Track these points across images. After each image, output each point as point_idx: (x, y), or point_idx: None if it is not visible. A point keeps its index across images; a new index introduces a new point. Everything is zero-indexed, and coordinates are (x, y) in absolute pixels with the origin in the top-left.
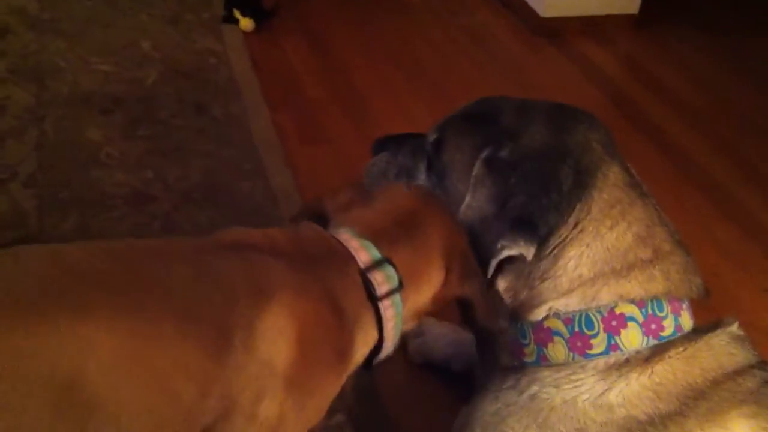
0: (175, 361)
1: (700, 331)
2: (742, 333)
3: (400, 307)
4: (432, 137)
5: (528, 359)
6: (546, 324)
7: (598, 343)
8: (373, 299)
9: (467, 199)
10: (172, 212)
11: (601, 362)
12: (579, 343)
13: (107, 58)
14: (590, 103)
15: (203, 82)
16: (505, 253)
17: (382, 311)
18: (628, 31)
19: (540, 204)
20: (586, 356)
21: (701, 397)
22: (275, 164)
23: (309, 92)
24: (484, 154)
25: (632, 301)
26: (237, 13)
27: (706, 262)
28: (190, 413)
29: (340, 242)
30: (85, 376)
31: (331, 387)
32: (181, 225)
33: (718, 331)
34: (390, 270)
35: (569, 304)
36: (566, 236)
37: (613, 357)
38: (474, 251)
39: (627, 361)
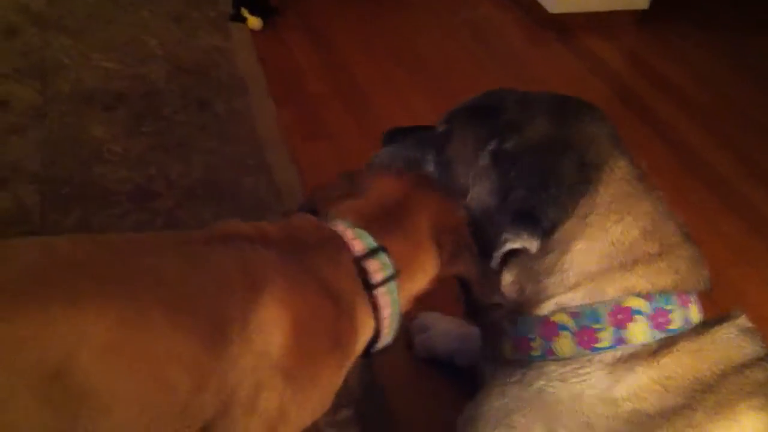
0: (167, 351)
1: (708, 324)
2: (750, 325)
3: (396, 294)
4: (438, 129)
5: (534, 353)
6: (552, 318)
7: (605, 337)
8: (369, 287)
9: (472, 191)
10: (175, 209)
11: (608, 356)
12: (586, 337)
13: (111, 55)
14: (595, 98)
15: (206, 78)
16: (509, 246)
17: (377, 299)
18: (632, 27)
19: (540, 198)
20: (593, 350)
21: (709, 390)
22: (279, 160)
23: (311, 88)
24: (489, 146)
25: (639, 295)
26: (245, 12)
27: (711, 256)
28: (186, 407)
29: (334, 232)
30: (74, 364)
31: (332, 377)
32: (184, 221)
33: (726, 324)
34: (385, 258)
35: (575, 298)
36: (572, 230)
37: (620, 351)
38: (478, 243)
39: (634, 354)
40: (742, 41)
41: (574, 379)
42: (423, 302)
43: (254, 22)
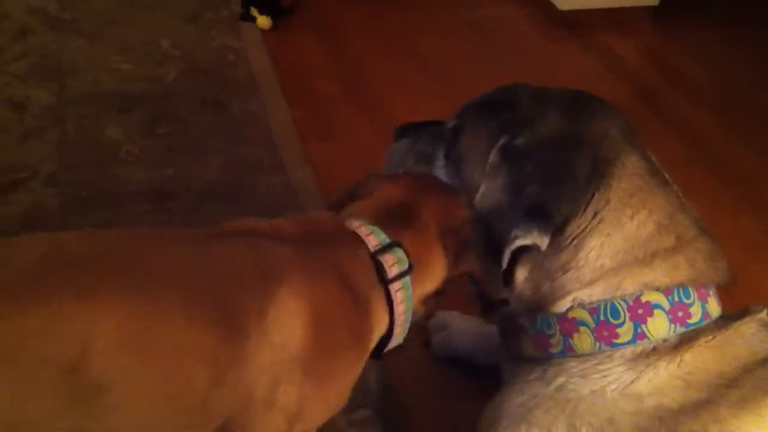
0: (183, 343)
1: (728, 318)
2: None
3: (410, 290)
4: (450, 124)
5: (554, 350)
6: (571, 314)
7: (625, 332)
8: (384, 282)
9: (482, 187)
10: (192, 209)
11: (628, 351)
12: (605, 333)
13: (127, 57)
14: (612, 95)
15: (222, 79)
16: (519, 243)
17: (392, 294)
18: (647, 23)
19: (554, 193)
20: (613, 345)
21: (733, 385)
22: (294, 160)
23: (323, 88)
24: (500, 142)
25: (658, 289)
26: (254, 11)
27: (731, 253)
28: (205, 401)
29: (349, 228)
30: (89, 357)
31: (350, 370)
32: (202, 222)
33: (747, 319)
34: (400, 253)
35: (593, 294)
36: (586, 226)
37: (641, 346)
38: (489, 240)
39: (654, 349)
40: (760, 35)
41: (594, 375)
42: (440, 302)
43: (263, 21)
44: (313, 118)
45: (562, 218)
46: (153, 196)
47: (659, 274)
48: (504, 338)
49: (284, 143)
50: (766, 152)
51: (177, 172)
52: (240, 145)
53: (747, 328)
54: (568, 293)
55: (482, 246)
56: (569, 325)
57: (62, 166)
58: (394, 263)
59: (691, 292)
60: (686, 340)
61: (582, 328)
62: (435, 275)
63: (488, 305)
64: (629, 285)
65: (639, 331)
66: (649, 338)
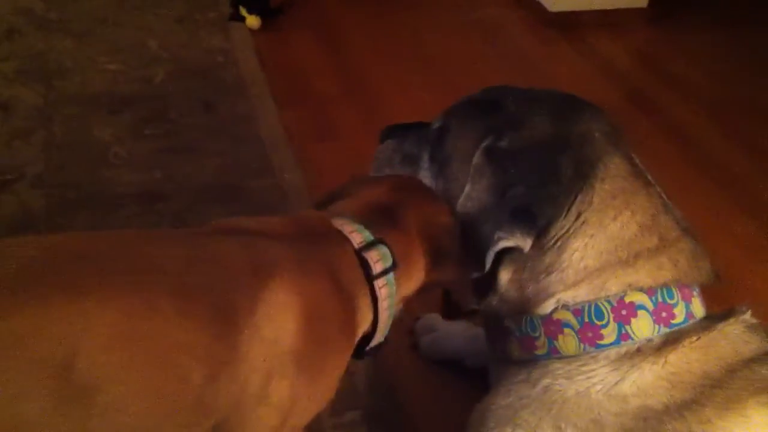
0: (176, 340)
1: (712, 319)
2: (756, 321)
3: (393, 287)
4: (435, 125)
5: (539, 352)
6: (555, 316)
7: (609, 333)
8: (369, 278)
9: (467, 188)
10: (182, 211)
11: (613, 352)
12: (589, 334)
13: (115, 58)
14: (603, 97)
15: (211, 80)
16: (502, 245)
17: (377, 290)
18: (639, 24)
19: (538, 195)
20: (598, 347)
21: (718, 386)
22: (285, 162)
23: (318, 88)
24: (484, 143)
25: (641, 290)
26: (243, 11)
27: (723, 255)
28: (200, 398)
29: (334, 226)
30: (82, 356)
31: (339, 364)
32: (191, 224)
33: (732, 320)
34: (384, 249)
35: (577, 295)
36: (569, 228)
37: (625, 347)
38: (472, 242)
39: (639, 350)
40: (753, 36)
41: (579, 377)
42: (428, 304)
43: (252, 21)
44: (310, 119)
45: (546, 220)
46: (142, 197)
47: (642, 274)
48: (490, 341)
49: (274, 145)
50: (759, 153)
51: (166, 173)
52: (230, 147)
53: (731, 328)
54: (552, 295)
55: (463, 251)
56: (554, 326)
57: (49, 168)
58: (378, 260)
59: (675, 293)
60: (670, 340)
61: (567, 330)
62: (417, 275)
63: (455, 311)
64: (613, 286)
65: (623, 332)
66: (633, 339)
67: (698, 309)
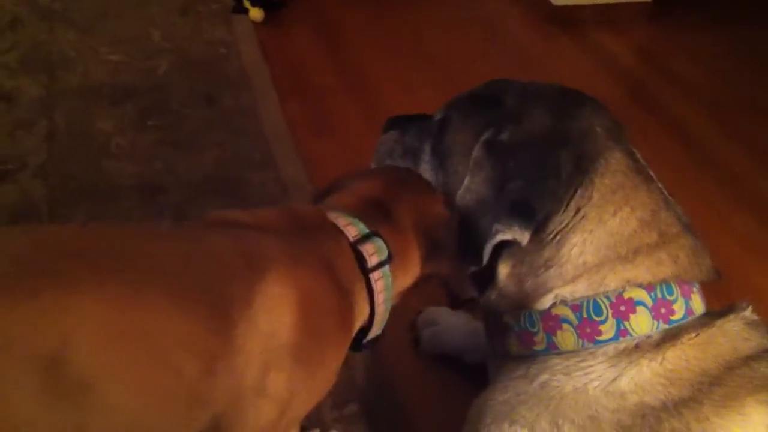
0: (170, 333)
1: (712, 315)
2: (756, 318)
3: (389, 280)
4: (437, 117)
5: (537, 348)
6: (554, 312)
7: (607, 329)
8: (365, 271)
9: (466, 181)
10: (182, 203)
11: (611, 348)
12: (588, 330)
13: (117, 49)
14: (604, 93)
15: (214, 72)
16: (500, 237)
17: (373, 283)
18: (642, 20)
19: (537, 189)
20: (596, 343)
21: (716, 383)
22: (286, 155)
23: (318, 82)
24: (484, 136)
25: (640, 286)
26: (246, 3)
27: (723, 251)
28: (195, 393)
29: (329, 219)
30: (72, 350)
31: (336, 356)
32: (191, 216)
33: (732, 316)
34: (379, 242)
35: (576, 291)
36: (568, 223)
37: (623, 343)
38: (469, 235)
39: (637, 346)
40: (755, 33)
41: (577, 373)
42: (428, 297)
43: (256, 13)
44: (310, 113)
45: (544, 214)
46: (143, 189)
47: (642, 270)
48: (489, 336)
49: (276, 138)
50: (759, 150)
51: (167, 165)
52: (231, 140)
53: (731, 325)
54: (551, 290)
55: (461, 243)
56: (552, 322)
57: (51, 158)
58: (374, 252)
59: (674, 289)
60: (669, 337)
61: (565, 326)
62: (413, 267)
63: (457, 301)
64: (612, 281)
65: (621, 328)
66: (631, 335)
67: (698, 305)
